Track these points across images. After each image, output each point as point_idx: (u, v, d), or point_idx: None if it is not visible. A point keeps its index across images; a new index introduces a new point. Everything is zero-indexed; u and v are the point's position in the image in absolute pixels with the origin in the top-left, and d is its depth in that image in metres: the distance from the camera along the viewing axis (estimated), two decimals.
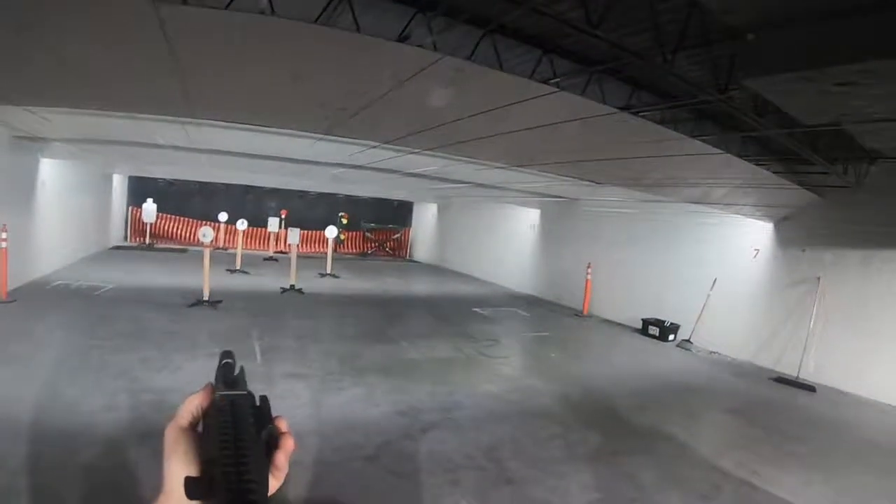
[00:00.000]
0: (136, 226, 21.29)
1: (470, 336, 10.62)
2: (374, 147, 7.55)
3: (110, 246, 18.73)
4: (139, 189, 21.23)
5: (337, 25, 3.14)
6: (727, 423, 7.16)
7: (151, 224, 20.76)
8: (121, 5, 2.80)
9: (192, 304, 10.62)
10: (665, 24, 3.55)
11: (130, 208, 21.31)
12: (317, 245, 22.91)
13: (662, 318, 11.82)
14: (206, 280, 10.96)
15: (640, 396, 7.78)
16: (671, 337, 11.47)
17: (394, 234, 26.67)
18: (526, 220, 17.93)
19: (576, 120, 4.65)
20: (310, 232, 22.34)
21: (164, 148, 10.10)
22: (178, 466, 0.70)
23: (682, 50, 3.62)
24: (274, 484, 0.73)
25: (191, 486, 0.63)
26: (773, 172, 7.30)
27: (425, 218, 25.87)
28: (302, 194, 22.96)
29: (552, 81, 3.85)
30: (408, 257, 26.48)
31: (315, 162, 10.91)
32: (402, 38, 3.08)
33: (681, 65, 3.78)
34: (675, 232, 12.25)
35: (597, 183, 9.86)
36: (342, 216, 24.01)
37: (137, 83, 4.73)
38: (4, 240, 9.35)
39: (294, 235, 14.27)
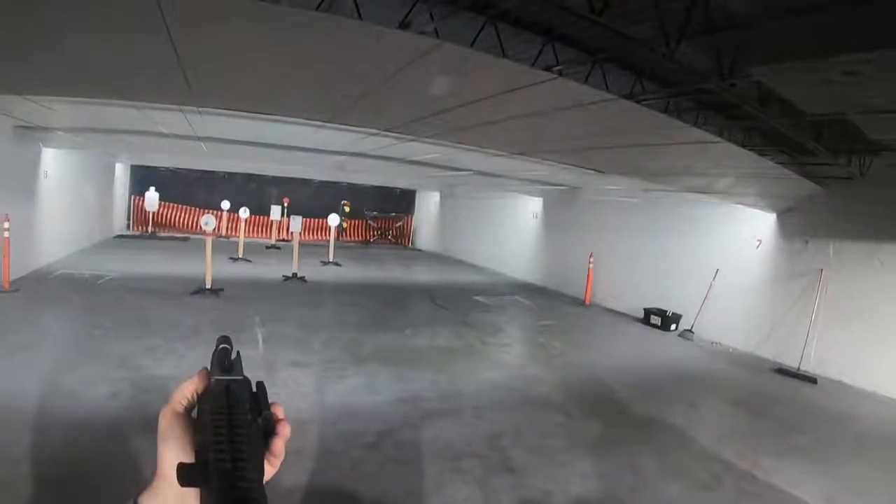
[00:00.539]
0: (138, 215, 21.33)
1: (472, 324, 10.63)
2: (377, 135, 7.53)
3: (113, 235, 18.74)
4: (142, 178, 21.21)
5: (338, 13, 3.13)
6: (728, 413, 7.17)
7: (154, 213, 20.79)
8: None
9: (195, 293, 10.64)
10: (669, 13, 3.53)
11: (133, 197, 21.32)
12: (319, 233, 22.91)
13: (664, 307, 11.81)
14: (209, 268, 10.97)
15: (642, 386, 7.79)
16: (673, 327, 11.46)
17: (396, 223, 26.67)
18: (528, 209, 17.91)
19: (578, 107, 4.63)
20: (312, 220, 22.34)
21: (166, 137, 10.09)
22: (172, 452, 0.70)
23: (686, 38, 3.59)
24: (269, 471, 0.73)
25: (184, 473, 0.62)
26: (777, 163, 7.27)
27: (428, 206, 25.86)
28: (305, 183, 22.92)
29: (555, 69, 3.83)
30: (410, 245, 26.48)
31: (318, 150, 10.88)
32: (404, 26, 3.07)
33: (684, 53, 3.75)
34: (677, 221, 12.22)
35: (599, 172, 9.83)
36: (345, 204, 24.00)
37: (138, 71, 4.71)
38: (7, 229, 9.36)
39: (296, 223, 14.27)
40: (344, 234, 23.99)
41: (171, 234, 20.87)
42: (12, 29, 3.60)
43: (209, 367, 0.78)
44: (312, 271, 14.61)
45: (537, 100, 4.44)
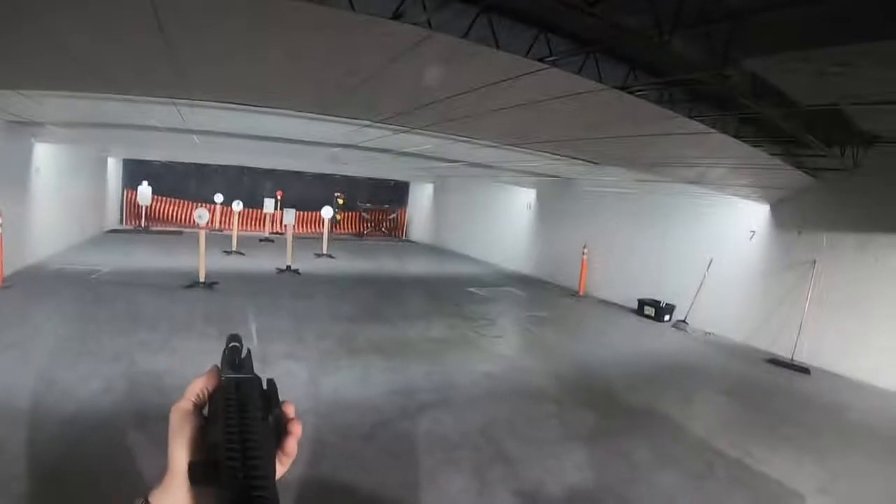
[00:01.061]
0: (131, 209, 21.20)
1: (465, 316, 10.65)
2: (369, 126, 7.51)
3: (106, 229, 18.64)
4: (134, 172, 21.07)
5: (330, 3, 3.10)
6: (721, 403, 7.21)
7: (147, 207, 20.67)
8: None
9: (189, 286, 10.62)
10: (662, 4, 3.52)
11: (126, 191, 21.19)
12: (313, 226, 22.88)
13: (658, 298, 11.86)
14: (202, 262, 10.95)
15: (635, 376, 7.83)
16: (667, 317, 11.51)
17: (390, 215, 26.64)
18: (522, 200, 17.91)
19: (571, 95, 4.63)
20: (306, 213, 22.31)
21: (159, 130, 10.04)
22: (183, 450, 0.70)
23: (680, 30, 3.58)
24: (280, 469, 0.73)
25: (195, 472, 0.62)
26: (770, 154, 7.28)
27: (421, 198, 25.85)
28: (298, 175, 22.86)
29: (548, 59, 3.82)
30: (404, 237, 26.47)
31: (311, 142, 10.86)
32: (396, 16, 3.05)
33: (678, 45, 3.75)
34: (671, 212, 12.26)
35: (593, 163, 9.83)
36: (338, 196, 23.96)
37: (130, 65, 4.69)
38: (0, 225, 9.31)
39: (290, 216, 14.27)
40: (338, 226, 23.94)
41: (164, 228, 20.77)
42: (3, 24, 3.57)
43: (219, 365, 0.78)
44: (306, 264, 14.61)
45: (530, 91, 4.43)
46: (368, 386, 6.56)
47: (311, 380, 6.54)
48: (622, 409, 6.55)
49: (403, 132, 7.73)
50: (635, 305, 12.26)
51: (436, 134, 7.60)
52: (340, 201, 24.02)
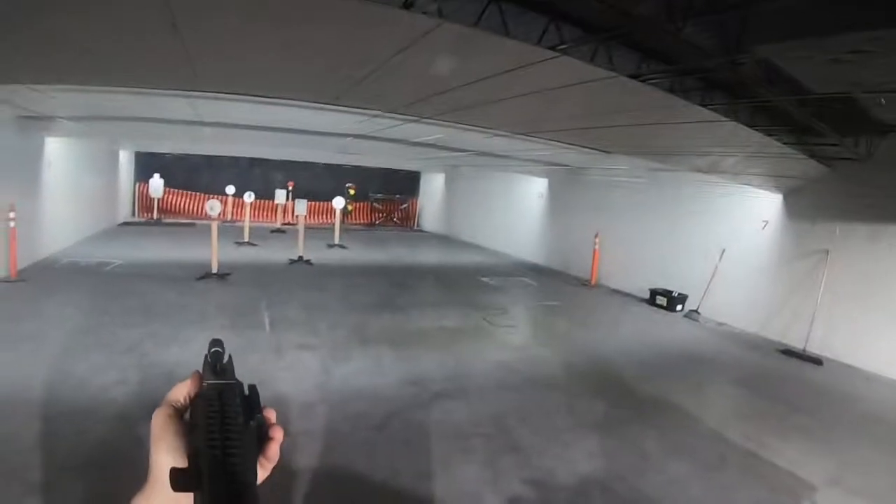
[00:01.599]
0: (143, 201, 21.30)
1: (478, 305, 10.66)
2: (380, 116, 7.51)
3: (119, 222, 18.75)
4: (146, 164, 21.17)
5: None
6: (733, 394, 7.19)
7: (159, 199, 20.78)
8: None
9: (201, 278, 10.69)
10: None
11: (138, 184, 21.30)
12: (324, 216, 22.87)
13: (670, 288, 11.82)
14: (215, 253, 11.01)
15: (647, 366, 7.82)
16: (679, 307, 11.47)
17: (401, 205, 26.62)
18: (533, 190, 17.87)
19: (582, 84, 4.60)
20: (317, 203, 22.34)
21: (171, 123, 10.08)
22: (165, 455, 0.70)
23: (691, 17, 3.56)
24: (262, 474, 0.73)
25: (176, 478, 0.62)
26: (783, 143, 7.22)
27: (432, 188, 25.82)
28: (309, 166, 22.86)
29: (559, 48, 3.80)
30: (416, 227, 26.48)
31: (321, 133, 10.87)
32: (407, 6, 3.05)
33: (690, 32, 3.72)
34: (683, 202, 12.19)
35: (604, 151, 9.78)
36: (349, 187, 23.94)
37: (142, 57, 4.70)
38: (13, 219, 9.41)
39: (301, 206, 14.30)
40: (349, 216, 23.96)
41: (176, 220, 20.85)
42: (16, 19, 3.59)
43: (201, 371, 0.79)
44: (318, 254, 14.64)
45: (541, 79, 4.41)
46: (381, 375, 6.59)
47: (323, 369, 6.58)
48: (634, 399, 6.54)
49: (413, 122, 7.72)
50: (647, 295, 12.23)
51: (446, 123, 7.58)
52: (352, 192, 24.00)
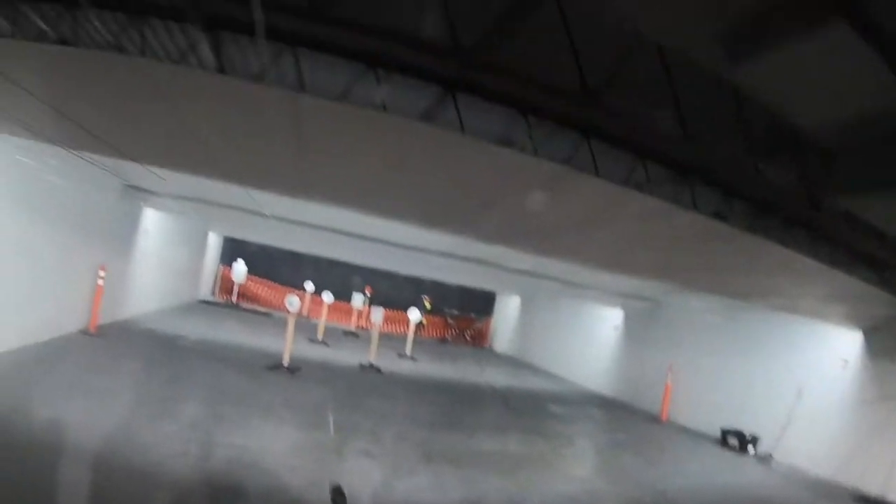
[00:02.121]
0: (224, 284, 22.29)
1: (544, 433, 10.39)
2: (469, 240, 7.74)
3: (199, 299, 19.61)
4: (232, 249, 22.39)
5: (439, 122, 3.37)
6: None
7: (240, 284, 21.57)
8: (263, 98, 3.14)
9: (272, 368, 10.90)
10: (753, 132, 3.62)
11: (221, 266, 22.38)
12: (397, 325, 22.97)
13: (744, 426, 11.26)
14: (288, 346, 11.24)
15: None
16: (751, 448, 10.91)
17: (475, 323, 26.65)
18: (609, 321, 17.70)
19: (665, 223, 4.71)
20: (392, 311, 22.62)
21: (266, 217, 10.70)
22: None
23: (771, 158, 3.66)
24: None
25: None
26: (863, 280, 7.02)
27: (507, 309, 25.87)
28: (388, 274, 23.29)
29: (645, 188, 3.96)
30: (487, 347, 26.32)
31: (411, 247, 11.25)
32: (504, 142, 3.27)
33: (770, 173, 3.82)
34: (760, 337, 11.84)
35: (683, 288, 9.74)
36: (426, 300, 24.20)
37: (259, 161, 5.13)
38: (102, 278, 10.10)
39: (377, 314, 14.47)
40: (422, 329, 23.97)
41: (253, 308, 21.58)
42: (147, 110, 4.03)
43: None
44: (388, 363, 14.55)
45: (626, 218, 4.55)
46: (442, 493, 6.45)
47: (384, 481, 6.49)
48: None
49: (502, 251, 7.92)
50: (718, 434, 11.65)
51: (532, 251, 7.75)
52: (427, 305, 24.22)
